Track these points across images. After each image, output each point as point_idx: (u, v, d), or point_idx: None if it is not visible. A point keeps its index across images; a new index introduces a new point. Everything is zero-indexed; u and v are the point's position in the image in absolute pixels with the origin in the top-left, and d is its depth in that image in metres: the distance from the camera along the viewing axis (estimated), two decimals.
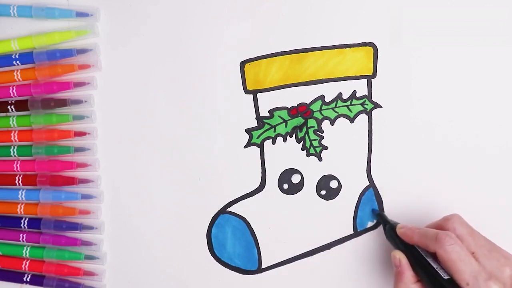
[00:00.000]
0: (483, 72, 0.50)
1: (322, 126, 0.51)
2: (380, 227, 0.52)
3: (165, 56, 0.52)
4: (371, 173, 0.52)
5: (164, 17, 0.52)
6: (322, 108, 0.51)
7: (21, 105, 0.53)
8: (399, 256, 0.46)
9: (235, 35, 0.51)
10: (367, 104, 0.51)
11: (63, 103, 0.52)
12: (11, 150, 0.53)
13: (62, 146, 0.53)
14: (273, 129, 0.52)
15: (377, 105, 0.51)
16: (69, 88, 0.52)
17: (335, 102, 0.51)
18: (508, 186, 0.51)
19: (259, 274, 0.53)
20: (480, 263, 0.42)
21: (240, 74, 0.51)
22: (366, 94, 0.51)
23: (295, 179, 0.52)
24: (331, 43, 0.50)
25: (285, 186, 0.52)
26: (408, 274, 0.45)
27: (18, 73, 0.52)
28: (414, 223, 0.50)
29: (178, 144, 0.53)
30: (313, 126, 0.51)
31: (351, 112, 0.51)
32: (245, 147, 0.52)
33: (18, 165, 0.53)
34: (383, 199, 0.52)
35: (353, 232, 0.52)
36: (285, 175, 0.52)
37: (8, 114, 0.53)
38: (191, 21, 0.52)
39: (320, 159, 0.52)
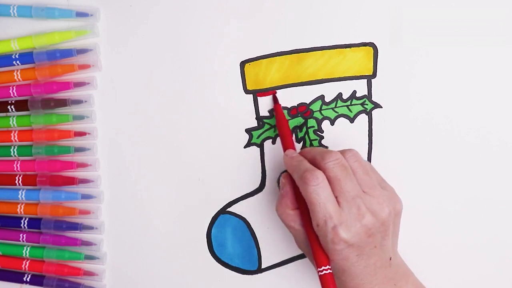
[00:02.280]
0: (483, 72, 0.50)
1: (322, 126, 0.51)
2: None
3: (165, 56, 0.52)
4: None
5: (164, 17, 0.52)
6: (322, 108, 0.51)
7: (21, 105, 0.53)
8: (285, 180, 0.46)
9: (235, 35, 0.51)
10: (367, 104, 0.51)
11: (63, 103, 0.52)
12: (11, 150, 0.53)
13: (62, 146, 0.53)
14: (273, 129, 0.52)
15: (377, 105, 0.51)
16: (69, 88, 0.52)
17: (335, 102, 0.51)
18: (508, 185, 0.51)
19: (259, 274, 0.53)
20: (342, 209, 0.41)
21: (240, 74, 0.51)
22: (366, 94, 0.51)
23: None
24: (331, 43, 0.50)
25: None
26: (287, 200, 0.45)
27: (18, 73, 0.52)
28: (414, 223, 0.50)
29: (178, 144, 0.53)
30: (313, 126, 0.51)
31: (351, 112, 0.51)
32: (245, 147, 0.52)
33: (18, 165, 0.53)
34: None
35: None
36: None
37: (8, 114, 0.53)
38: (191, 21, 0.52)
39: None
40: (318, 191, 0.41)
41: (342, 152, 0.44)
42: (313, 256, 0.43)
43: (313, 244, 0.43)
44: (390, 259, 0.44)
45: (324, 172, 0.42)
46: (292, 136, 0.49)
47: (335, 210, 0.41)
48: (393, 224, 0.44)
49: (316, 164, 0.43)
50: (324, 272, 0.42)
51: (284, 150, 0.48)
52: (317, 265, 0.43)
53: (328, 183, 0.42)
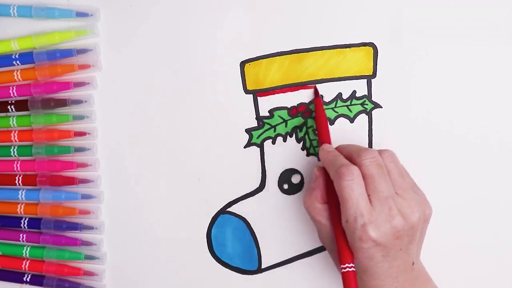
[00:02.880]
0: (483, 72, 0.50)
1: None
2: None
3: (165, 56, 0.52)
4: None
5: (164, 17, 0.52)
6: None
7: (21, 105, 0.53)
8: (319, 173, 0.46)
9: (235, 35, 0.51)
10: (367, 104, 0.51)
11: (63, 103, 0.52)
12: (11, 150, 0.53)
13: (62, 146, 0.53)
14: (273, 129, 0.52)
15: (377, 105, 0.51)
16: (69, 88, 0.52)
17: (335, 102, 0.51)
18: (508, 185, 0.51)
19: (259, 274, 0.53)
20: (373, 208, 0.41)
21: (240, 74, 0.51)
22: (366, 94, 0.51)
23: (295, 179, 0.52)
24: (331, 43, 0.50)
25: (285, 186, 0.52)
26: (318, 193, 0.45)
27: (18, 73, 0.52)
28: None
29: (178, 144, 0.53)
30: (313, 126, 0.51)
31: (351, 112, 0.51)
32: (245, 147, 0.52)
33: (18, 165, 0.53)
34: None
35: None
36: (285, 175, 0.52)
37: (8, 114, 0.53)
38: (191, 21, 0.52)
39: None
40: (352, 186, 0.41)
41: (379, 151, 0.44)
42: (338, 252, 0.43)
43: (339, 240, 0.43)
44: (413, 264, 0.43)
45: (359, 169, 0.42)
46: (329, 131, 0.49)
47: (367, 208, 0.41)
48: (421, 229, 0.44)
49: (352, 160, 0.43)
50: (348, 269, 0.42)
51: (320, 144, 0.47)
52: (341, 261, 0.42)
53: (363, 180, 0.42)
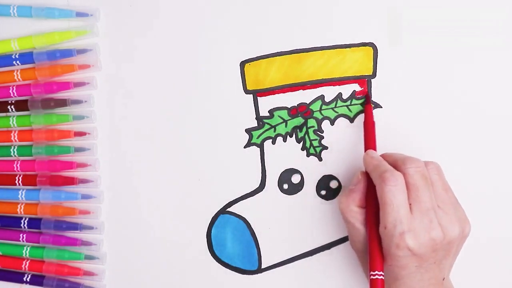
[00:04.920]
0: (483, 72, 0.50)
1: (322, 126, 0.51)
2: None
3: (165, 56, 0.52)
4: None
5: (164, 17, 0.52)
6: (322, 108, 0.51)
7: (21, 105, 0.53)
8: (362, 177, 0.45)
9: (235, 35, 0.51)
10: None
11: (63, 103, 0.52)
12: (11, 150, 0.53)
13: (62, 146, 0.53)
14: (273, 129, 0.52)
15: (377, 105, 0.51)
16: (69, 88, 0.52)
17: (335, 102, 0.51)
18: (509, 185, 0.51)
19: (259, 274, 0.53)
20: (413, 217, 0.41)
21: (240, 74, 0.51)
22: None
23: (295, 179, 0.52)
24: (331, 43, 0.50)
25: (285, 186, 0.52)
26: (356, 196, 0.45)
27: (18, 73, 0.52)
28: None
29: (178, 144, 0.53)
30: (313, 126, 0.51)
31: (351, 112, 0.51)
32: (245, 147, 0.52)
33: (18, 165, 0.53)
34: None
35: None
36: (285, 175, 0.52)
37: (8, 114, 0.53)
38: (191, 21, 0.52)
39: (320, 159, 0.52)
40: (395, 192, 0.41)
41: (425, 162, 0.44)
42: (369, 258, 0.43)
43: (372, 246, 0.43)
44: (443, 280, 0.43)
45: (404, 177, 0.42)
46: (375, 137, 0.48)
47: (407, 216, 0.41)
48: (457, 246, 0.43)
49: (396, 168, 0.43)
50: (377, 277, 0.42)
51: (366, 150, 0.47)
52: (371, 268, 0.42)
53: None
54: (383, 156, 0.46)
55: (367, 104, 0.50)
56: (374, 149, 0.48)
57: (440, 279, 0.43)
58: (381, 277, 0.42)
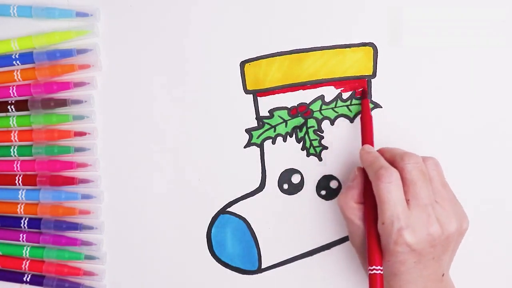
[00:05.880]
0: (483, 72, 0.50)
1: (322, 126, 0.51)
2: None
3: (165, 56, 0.52)
4: None
5: (164, 17, 0.52)
6: (322, 108, 0.51)
7: (21, 105, 0.53)
8: (358, 173, 0.45)
9: (235, 35, 0.51)
10: None
11: (63, 103, 0.52)
12: (11, 150, 0.53)
13: (62, 146, 0.53)
14: (273, 129, 0.52)
15: (377, 105, 0.51)
16: (69, 88, 0.52)
17: (335, 102, 0.51)
18: (509, 185, 0.51)
19: (259, 274, 0.53)
20: (411, 213, 0.41)
21: (240, 74, 0.51)
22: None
23: (295, 179, 0.52)
24: (331, 43, 0.50)
25: (285, 186, 0.52)
26: (354, 192, 0.45)
27: (18, 73, 0.52)
28: None
29: (178, 144, 0.53)
30: (313, 126, 0.51)
31: (351, 112, 0.51)
32: (245, 147, 0.52)
33: (18, 165, 0.53)
34: None
35: None
36: (285, 175, 0.52)
37: (8, 114, 0.53)
38: (191, 20, 0.52)
39: (320, 159, 0.52)
40: (390, 188, 0.41)
41: (423, 158, 0.44)
42: (368, 253, 0.43)
43: (370, 242, 0.43)
44: (443, 276, 0.43)
45: (401, 173, 0.42)
46: (373, 133, 0.48)
47: (404, 212, 0.41)
48: (455, 241, 0.43)
49: (394, 163, 0.43)
50: (375, 272, 0.42)
51: (363, 144, 0.47)
52: (370, 263, 0.42)
53: (402, 184, 0.42)
54: (381, 151, 0.46)
55: (364, 99, 0.50)
56: (371, 143, 0.48)
57: (439, 274, 0.43)
58: (380, 271, 0.42)
